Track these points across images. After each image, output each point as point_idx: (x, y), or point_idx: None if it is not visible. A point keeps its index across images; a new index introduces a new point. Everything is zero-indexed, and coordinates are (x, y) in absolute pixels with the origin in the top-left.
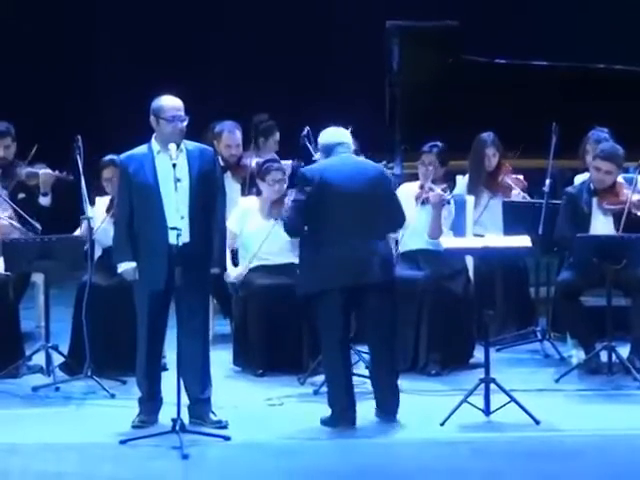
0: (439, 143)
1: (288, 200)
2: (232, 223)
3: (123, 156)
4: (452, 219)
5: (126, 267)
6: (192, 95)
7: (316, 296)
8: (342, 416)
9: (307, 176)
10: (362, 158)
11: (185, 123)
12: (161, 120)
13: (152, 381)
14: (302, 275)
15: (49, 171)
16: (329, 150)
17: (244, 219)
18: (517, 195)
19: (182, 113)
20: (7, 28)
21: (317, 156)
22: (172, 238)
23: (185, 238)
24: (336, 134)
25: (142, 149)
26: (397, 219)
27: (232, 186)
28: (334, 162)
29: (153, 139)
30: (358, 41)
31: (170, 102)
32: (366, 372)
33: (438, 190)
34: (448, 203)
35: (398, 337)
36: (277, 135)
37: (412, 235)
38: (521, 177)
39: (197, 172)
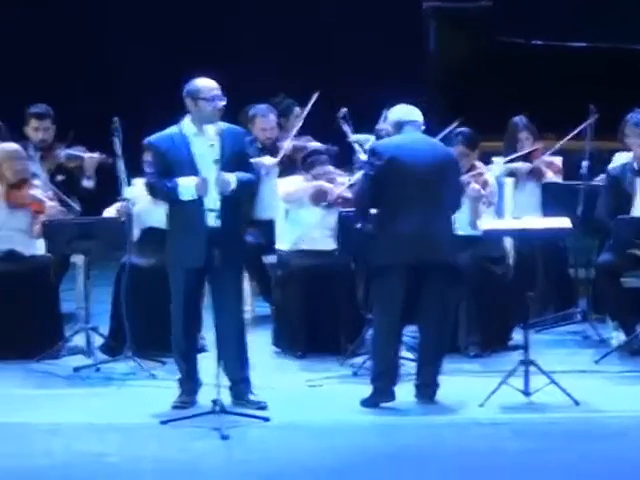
0: (464, 129)
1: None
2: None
3: (153, 138)
4: (495, 201)
5: (186, 182)
6: (228, 78)
7: (379, 270)
8: (383, 392)
9: (378, 151)
10: (431, 138)
11: (223, 103)
12: (200, 101)
13: (189, 361)
14: (369, 248)
15: (94, 155)
16: (399, 126)
17: (297, 198)
18: (550, 180)
19: (220, 93)
20: (45, 11)
21: (353, 137)
22: (210, 220)
23: (217, 220)
24: (408, 111)
25: (173, 130)
26: (455, 203)
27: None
28: (405, 140)
29: (187, 121)
30: (394, 22)
31: (207, 83)
32: (407, 354)
33: (475, 185)
34: (491, 204)
35: (449, 322)
36: (296, 110)
37: None
38: (559, 159)
39: (230, 153)
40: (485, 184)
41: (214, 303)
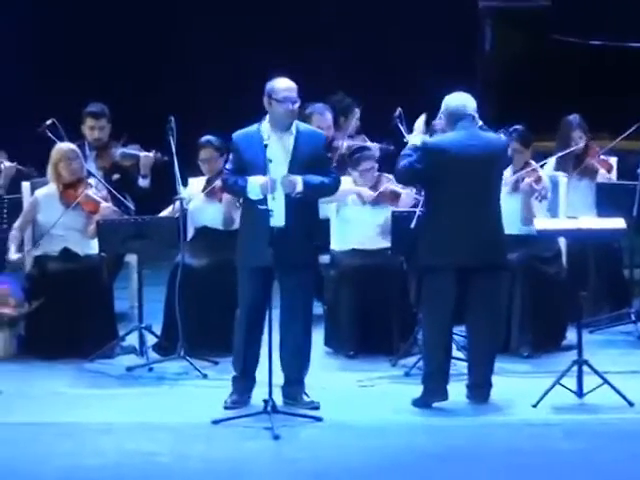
0: (518, 127)
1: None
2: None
3: (235, 135)
4: (549, 201)
5: (254, 181)
6: (293, 77)
7: (429, 270)
8: (434, 392)
9: (430, 149)
10: (486, 133)
11: (297, 105)
12: (273, 101)
13: (249, 360)
14: (419, 247)
15: (150, 154)
16: (453, 120)
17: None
18: (603, 176)
19: (294, 95)
20: (100, 11)
21: (408, 138)
22: (273, 220)
23: (281, 221)
24: (463, 104)
25: (253, 128)
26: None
27: None
28: (461, 137)
29: (265, 120)
30: (450, 22)
31: (283, 84)
32: (458, 354)
33: (527, 180)
34: (545, 198)
35: (500, 322)
36: (357, 112)
37: None
38: (614, 159)
39: (303, 155)
40: (538, 180)
41: (281, 302)
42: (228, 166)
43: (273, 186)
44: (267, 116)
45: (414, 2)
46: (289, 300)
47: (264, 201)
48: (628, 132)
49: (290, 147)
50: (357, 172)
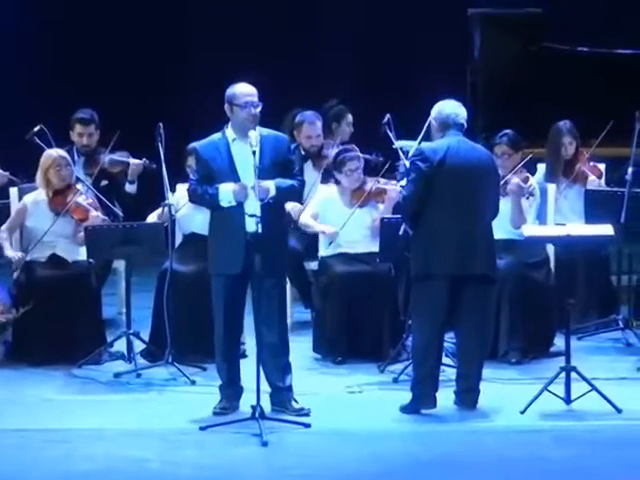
0: (508, 131)
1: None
2: (312, 206)
3: (198, 144)
4: (538, 207)
5: (225, 188)
6: (274, 84)
7: (421, 278)
8: (423, 399)
9: (427, 154)
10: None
11: (259, 109)
12: (235, 107)
13: (231, 367)
14: (412, 255)
15: (139, 162)
16: (444, 127)
17: (326, 205)
18: (593, 182)
19: (255, 99)
20: (90, 18)
21: (397, 144)
22: (250, 225)
23: (256, 226)
24: (455, 112)
25: (217, 136)
26: (494, 210)
27: (313, 175)
28: (452, 144)
29: (228, 127)
30: (439, 29)
31: (243, 89)
32: (447, 360)
33: (515, 180)
34: (532, 195)
35: (489, 328)
36: (349, 117)
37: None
38: (602, 166)
39: (269, 159)
40: (526, 179)
41: (255, 309)
42: (193, 176)
43: (247, 192)
44: (229, 123)
45: (404, 9)
46: (265, 306)
47: (240, 207)
48: (598, 141)
49: (256, 152)
50: (342, 173)
